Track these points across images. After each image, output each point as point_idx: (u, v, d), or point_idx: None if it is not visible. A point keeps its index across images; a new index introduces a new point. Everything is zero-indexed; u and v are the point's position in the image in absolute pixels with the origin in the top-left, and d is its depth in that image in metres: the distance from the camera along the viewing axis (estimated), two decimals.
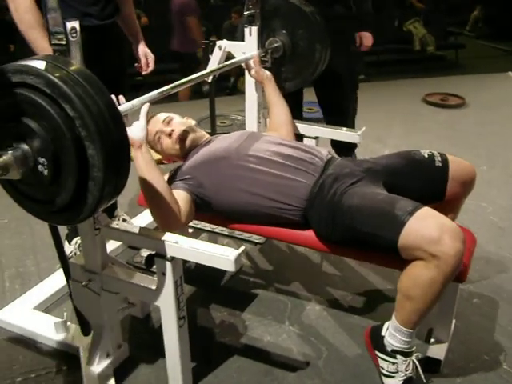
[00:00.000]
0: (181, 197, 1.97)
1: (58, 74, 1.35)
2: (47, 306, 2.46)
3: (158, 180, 1.85)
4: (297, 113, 3.35)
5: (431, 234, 1.67)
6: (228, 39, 2.77)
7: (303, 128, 2.70)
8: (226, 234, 2.68)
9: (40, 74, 1.36)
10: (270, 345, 2.22)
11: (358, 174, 2.02)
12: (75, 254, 2.70)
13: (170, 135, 2.22)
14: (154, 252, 1.77)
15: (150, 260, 2.11)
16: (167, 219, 1.90)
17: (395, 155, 2.19)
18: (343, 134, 2.63)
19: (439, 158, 2.11)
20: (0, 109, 1.44)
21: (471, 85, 6.40)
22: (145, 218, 2.98)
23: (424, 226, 1.70)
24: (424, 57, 8.60)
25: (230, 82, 6.90)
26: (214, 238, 2.75)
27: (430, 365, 2.07)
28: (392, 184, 2.04)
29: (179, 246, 1.69)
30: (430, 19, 8.95)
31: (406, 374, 1.89)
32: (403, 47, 8.75)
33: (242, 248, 1.68)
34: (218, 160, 2.08)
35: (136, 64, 2.78)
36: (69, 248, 2.71)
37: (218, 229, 2.66)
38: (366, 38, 3.42)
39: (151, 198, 1.86)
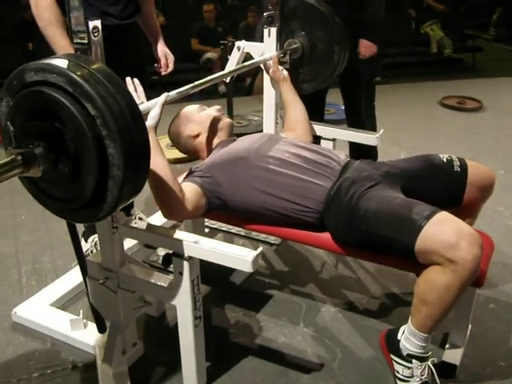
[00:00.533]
0: (189, 187, 1.95)
1: (79, 73, 1.36)
2: (63, 303, 2.48)
3: (162, 165, 1.81)
4: (318, 114, 3.36)
5: (448, 239, 1.66)
6: (244, 39, 2.77)
7: (320, 130, 2.69)
8: (243, 234, 2.68)
9: (62, 73, 1.37)
10: (285, 346, 2.22)
11: (376, 177, 2.01)
12: (91, 252, 2.72)
13: (216, 110, 2.39)
14: (171, 251, 1.77)
15: (167, 259, 2.12)
16: (169, 206, 1.86)
17: (414, 159, 2.18)
18: (361, 137, 2.62)
19: (458, 163, 2.10)
20: (22, 107, 1.45)
21: (489, 88, 6.36)
22: (161, 218, 2.96)
23: (441, 230, 1.69)
24: (441, 59, 8.54)
25: (245, 82, 6.89)
26: (229, 238, 2.76)
27: (446, 370, 2.06)
28: (409, 188, 2.03)
29: (197, 245, 1.70)
30: (447, 22, 8.89)
31: (421, 379, 1.87)
32: (420, 50, 8.70)
33: (260, 249, 1.67)
34: (237, 160, 2.09)
35: (156, 64, 2.78)
36: (85, 246, 2.72)
37: (234, 229, 2.66)
38: (365, 48, 3.20)
39: (154, 183, 1.82)
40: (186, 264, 1.72)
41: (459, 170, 2.08)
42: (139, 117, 1.44)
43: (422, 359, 1.86)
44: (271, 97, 2.77)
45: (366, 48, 3.21)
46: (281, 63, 2.63)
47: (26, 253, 2.91)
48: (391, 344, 1.95)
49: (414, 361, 1.86)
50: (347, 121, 3.51)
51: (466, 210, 2.14)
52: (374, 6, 3.19)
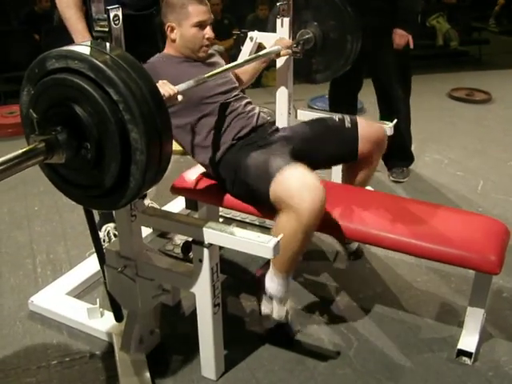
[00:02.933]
0: None
1: (101, 59, 1.37)
2: (79, 293, 2.49)
3: None
4: (352, 109, 3.42)
5: (291, 188, 1.88)
6: None
7: None
8: (257, 223, 2.68)
9: (84, 59, 1.38)
10: (301, 334, 2.22)
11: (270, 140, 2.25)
12: (104, 241, 2.73)
13: None
14: (190, 239, 1.78)
15: (186, 247, 2.14)
16: None
17: (311, 122, 2.44)
18: None
19: (349, 120, 2.33)
20: (44, 94, 1.46)
21: (496, 80, 6.34)
22: (174, 207, 2.99)
23: (288, 181, 1.91)
24: (447, 52, 8.49)
25: None
26: (243, 227, 2.75)
27: (461, 357, 2.07)
28: (302, 149, 2.24)
29: (217, 232, 1.71)
30: (453, 14, 8.84)
31: (279, 318, 2.08)
32: (426, 43, 8.63)
33: (281, 235, 1.68)
34: None
35: None
36: None
37: (248, 218, 2.67)
38: (399, 37, 3.27)
39: None
40: (206, 251, 1.73)
41: (350, 125, 2.32)
42: (161, 101, 1.45)
43: (280, 300, 2.05)
44: (284, 88, 2.78)
45: (400, 37, 3.27)
46: (294, 53, 2.64)
47: (40, 243, 2.93)
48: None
49: (274, 301, 2.05)
50: (380, 113, 3.60)
51: (362, 164, 2.38)
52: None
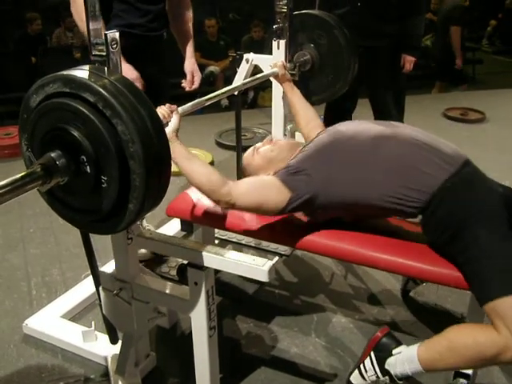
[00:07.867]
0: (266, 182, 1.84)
1: (98, 82, 1.38)
2: (74, 315, 2.47)
3: (200, 172, 1.75)
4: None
5: None
6: (247, 53, 2.80)
7: None
8: (252, 245, 2.67)
9: (81, 82, 1.38)
10: (297, 356, 2.22)
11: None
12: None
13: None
14: (186, 262, 1.78)
15: (182, 270, 2.11)
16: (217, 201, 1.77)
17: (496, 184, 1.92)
18: None
19: None
20: (40, 120, 1.46)
21: (490, 100, 6.38)
22: (170, 229, 2.98)
23: None
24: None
25: (248, 95, 6.93)
26: (239, 249, 2.74)
27: (459, 379, 2.05)
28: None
29: (212, 255, 1.70)
30: None
31: None
32: (420, 62, 8.67)
33: (276, 258, 1.69)
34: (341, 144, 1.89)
35: (183, 80, 2.70)
36: None
37: (244, 240, 2.65)
38: (409, 63, 3.36)
39: (198, 186, 1.78)
40: (201, 274, 1.72)
41: None
42: (160, 123, 1.45)
43: (393, 381, 1.76)
44: (280, 109, 2.79)
45: (410, 62, 3.37)
46: (290, 75, 2.64)
47: (35, 265, 2.91)
48: (382, 348, 1.82)
49: (387, 377, 1.77)
50: None
51: None
52: (416, 20, 3.29)
